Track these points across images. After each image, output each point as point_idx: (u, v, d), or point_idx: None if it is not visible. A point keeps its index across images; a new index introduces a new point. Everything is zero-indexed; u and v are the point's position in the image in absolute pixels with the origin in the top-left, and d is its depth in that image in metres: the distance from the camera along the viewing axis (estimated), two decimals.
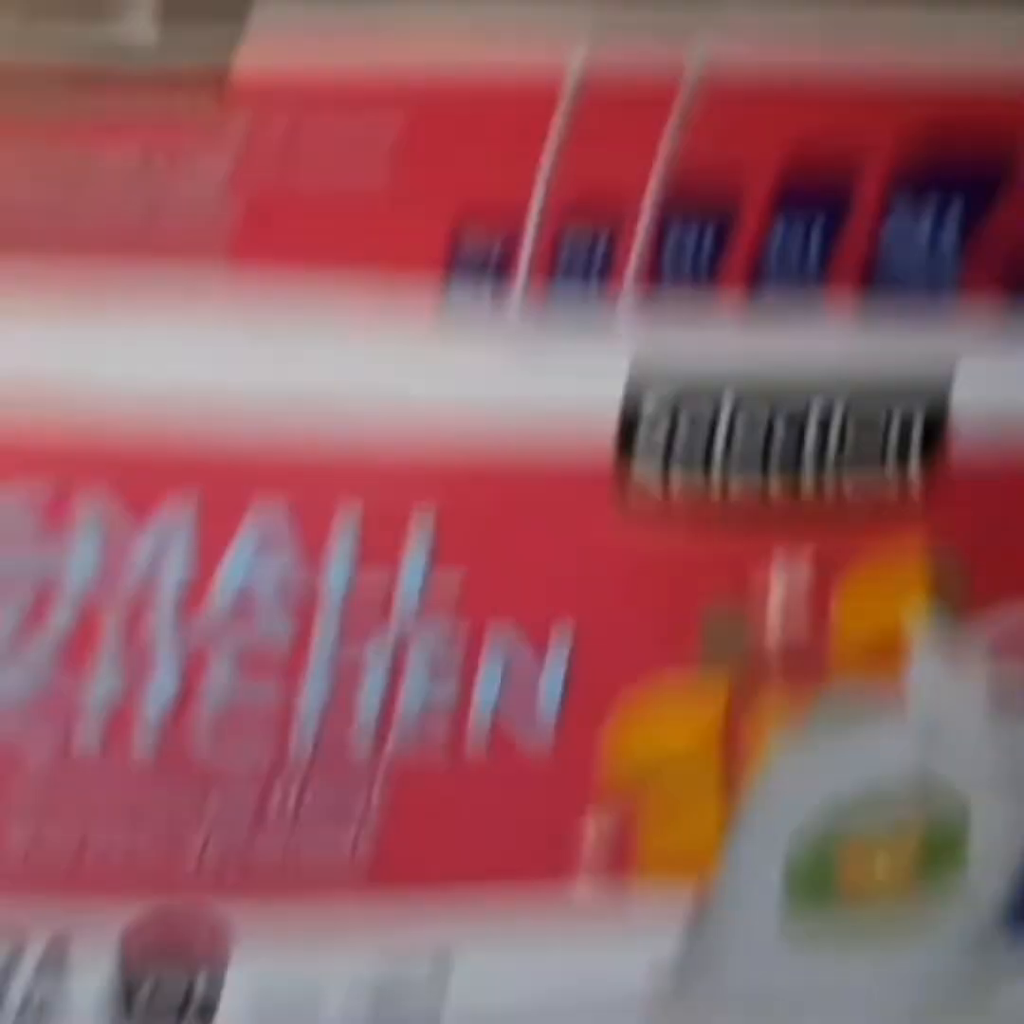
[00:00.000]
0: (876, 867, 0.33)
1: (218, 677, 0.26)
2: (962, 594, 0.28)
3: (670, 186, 0.23)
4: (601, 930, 0.32)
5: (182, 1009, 0.32)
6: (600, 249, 0.23)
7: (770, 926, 0.33)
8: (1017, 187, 0.24)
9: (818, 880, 0.32)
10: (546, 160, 0.22)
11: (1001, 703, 0.30)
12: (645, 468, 0.25)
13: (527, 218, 0.22)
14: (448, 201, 0.22)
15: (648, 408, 0.25)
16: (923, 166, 0.23)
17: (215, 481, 0.24)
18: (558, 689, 0.28)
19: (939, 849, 0.33)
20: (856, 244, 0.24)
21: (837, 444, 0.26)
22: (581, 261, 0.23)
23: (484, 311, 0.23)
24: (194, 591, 0.25)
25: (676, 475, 0.26)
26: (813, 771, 0.31)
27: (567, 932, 0.32)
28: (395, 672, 0.27)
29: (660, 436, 0.25)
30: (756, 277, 0.24)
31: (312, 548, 0.25)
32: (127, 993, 0.31)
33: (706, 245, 0.23)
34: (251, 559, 0.25)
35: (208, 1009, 0.32)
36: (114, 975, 0.31)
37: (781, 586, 0.27)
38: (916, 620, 0.29)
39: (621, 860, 0.31)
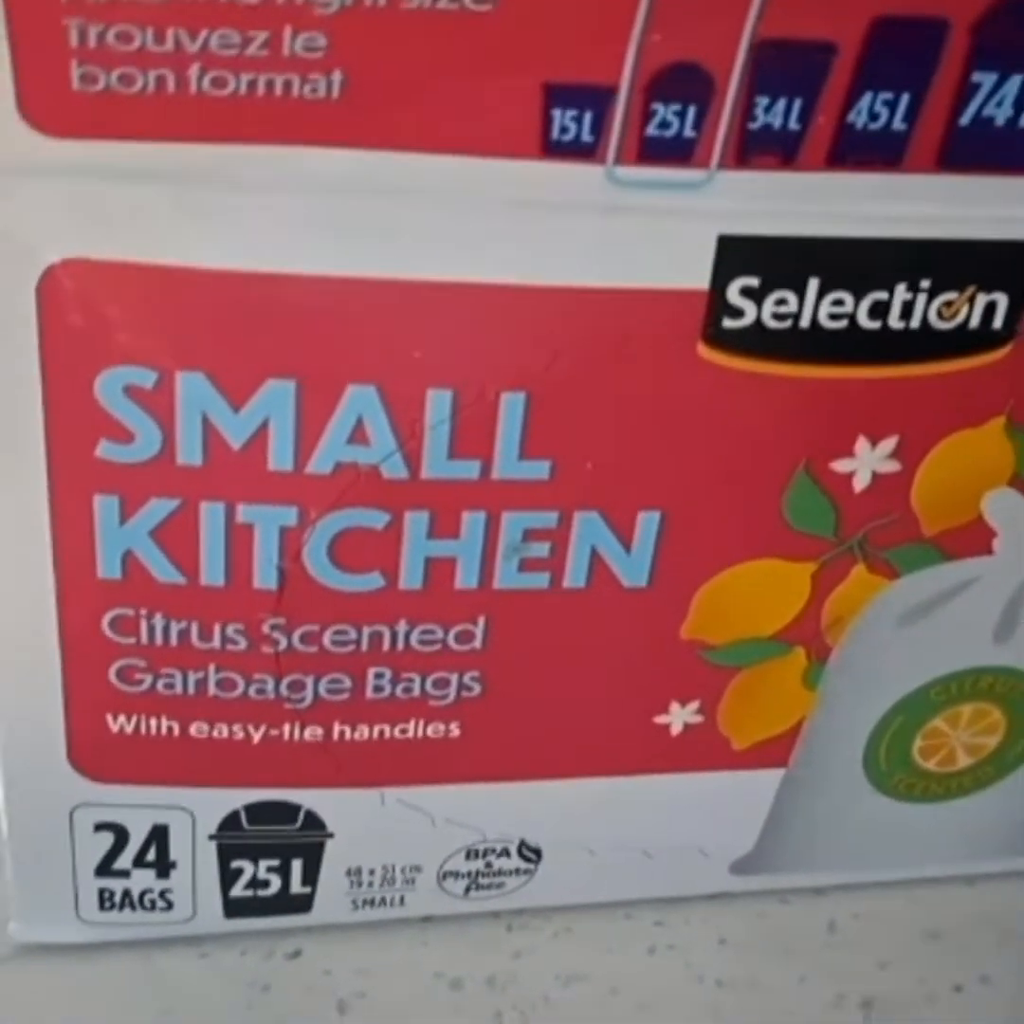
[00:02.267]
0: (957, 745, 0.33)
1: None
2: None
3: (758, 56, 0.23)
4: (688, 805, 0.32)
5: (281, 892, 0.32)
6: (689, 121, 0.23)
7: (853, 795, 0.33)
8: None
9: (901, 754, 0.33)
10: (635, 31, 0.22)
11: None
12: (730, 339, 0.25)
13: (618, 90, 0.23)
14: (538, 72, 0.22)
15: (734, 287, 0.25)
16: (1009, 25, 0.23)
17: (308, 364, 0.25)
18: (646, 563, 0.28)
19: (1018, 734, 0.33)
20: (940, 109, 0.24)
21: (916, 322, 0.26)
22: (669, 134, 0.23)
23: (574, 184, 0.24)
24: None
25: (759, 345, 0.26)
26: (897, 653, 0.31)
27: (652, 807, 0.32)
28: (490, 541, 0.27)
29: (745, 313, 0.25)
30: (840, 141, 0.24)
31: (405, 432, 0.26)
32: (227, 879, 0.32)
33: (792, 116, 0.23)
34: (348, 443, 0.26)
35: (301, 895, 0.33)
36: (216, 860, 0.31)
37: (869, 460, 0.28)
38: (999, 498, 0.29)
39: (708, 745, 0.32)
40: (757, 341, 0.26)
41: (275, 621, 0.28)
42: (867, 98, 0.23)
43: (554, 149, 0.23)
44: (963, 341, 0.26)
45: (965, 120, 0.24)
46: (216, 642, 0.28)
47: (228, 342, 0.24)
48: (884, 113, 0.24)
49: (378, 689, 0.29)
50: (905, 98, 0.24)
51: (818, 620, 0.30)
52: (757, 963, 0.34)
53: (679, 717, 0.31)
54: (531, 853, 0.33)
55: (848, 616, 0.30)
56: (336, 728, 0.29)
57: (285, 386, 0.25)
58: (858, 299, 0.25)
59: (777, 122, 0.24)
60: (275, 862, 0.32)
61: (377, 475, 0.26)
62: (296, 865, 0.32)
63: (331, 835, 0.31)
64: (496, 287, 0.24)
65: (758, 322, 0.25)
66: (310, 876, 0.32)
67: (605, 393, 0.26)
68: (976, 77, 0.23)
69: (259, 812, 0.31)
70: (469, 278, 0.24)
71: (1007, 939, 0.35)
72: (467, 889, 0.33)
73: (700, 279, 0.25)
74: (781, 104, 0.23)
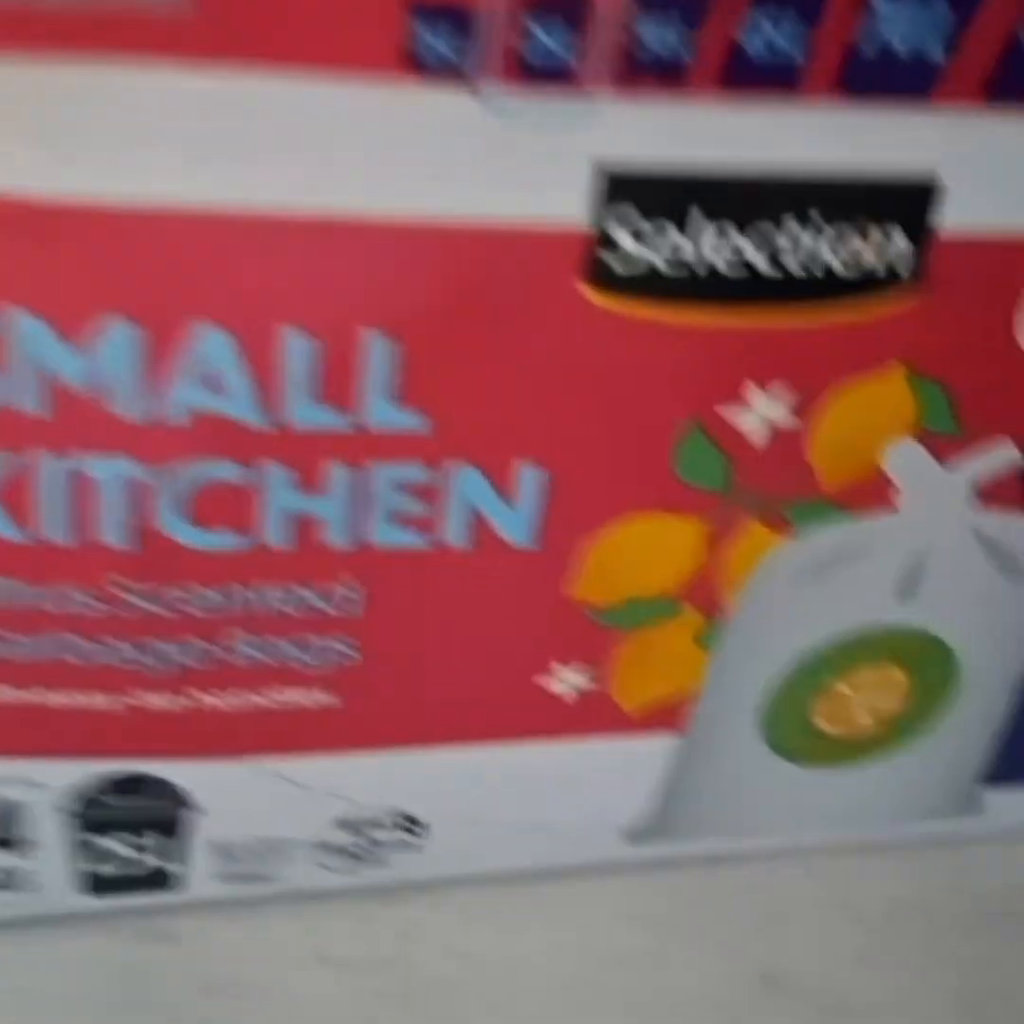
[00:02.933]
0: (858, 707, 0.32)
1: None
2: (953, 425, 0.27)
3: None
4: (577, 772, 0.31)
5: (149, 869, 0.31)
6: (569, 45, 0.21)
7: (749, 760, 0.32)
8: None
9: (798, 716, 0.31)
10: None
11: (990, 550, 0.29)
12: (612, 277, 0.24)
13: (488, 6, 0.21)
14: None
15: (615, 217, 0.23)
16: None
17: (154, 303, 0.23)
18: (530, 519, 0.26)
19: (926, 692, 0.32)
20: (836, 35, 0.22)
21: (813, 260, 0.24)
22: (547, 59, 0.21)
23: (443, 109, 0.22)
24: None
25: (643, 285, 0.24)
26: (794, 612, 0.29)
27: (540, 774, 0.31)
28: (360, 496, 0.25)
29: (629, 248, 0.23)
30: (731, 69, 0.22)
31: (261, 377, 0.24)
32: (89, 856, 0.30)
33: (680, 41, 0.22)
34: (197, 389, 0.24)
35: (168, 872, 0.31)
36: (75, 835, 0.30)
37: (762, 410, 0.26)
38: (901, 451, 0.27)
39: (598, 709, 0.30)
40: (644, 283, 0.24)
41: (129, 583, 0.26)
42: (760, 22, 0.22)
43: (420, 69, 0.21)
44: (863, 284, 0.25)
45: (865, 47, 0.22)
46: (66, 605, 0.26)
47: (63, 279, 0.22)
48: (778, 38, 0.22)
49: (244, 655, 0.27)
50: (800, 23, 0.22)
51: (711, 579, 0.28)
52: (654, 936, 0.33)
53: (567, 681, 0.29)
54: (414, 825, 0.31)
55: (743, 574, 0.28)
56: (200, 697, 0.28)
57: (129, 327, 0.23)
58: (750, 238, 0.24)
59: (664, 48, 0.22)
60: (141, 838, 0.30)
61: (232, 424, 0.24)
62: (163, 841, 0.30)
63: (199, 809, 0.29)
64: (359, 219, 0.22)
65: (644, 262, 0.24)
66: (179, 852, 0.30)
67: (481, 338, 0.24)
68: (875, 1, 0.22)
69: (122, 786, 0.29)
70: (329, 209, 0.22)
71: (911, 908, 0.34)
72: (346, 863, 0.31)
73: (581, 215, 0.23)
74: (668, 28, 0.22)
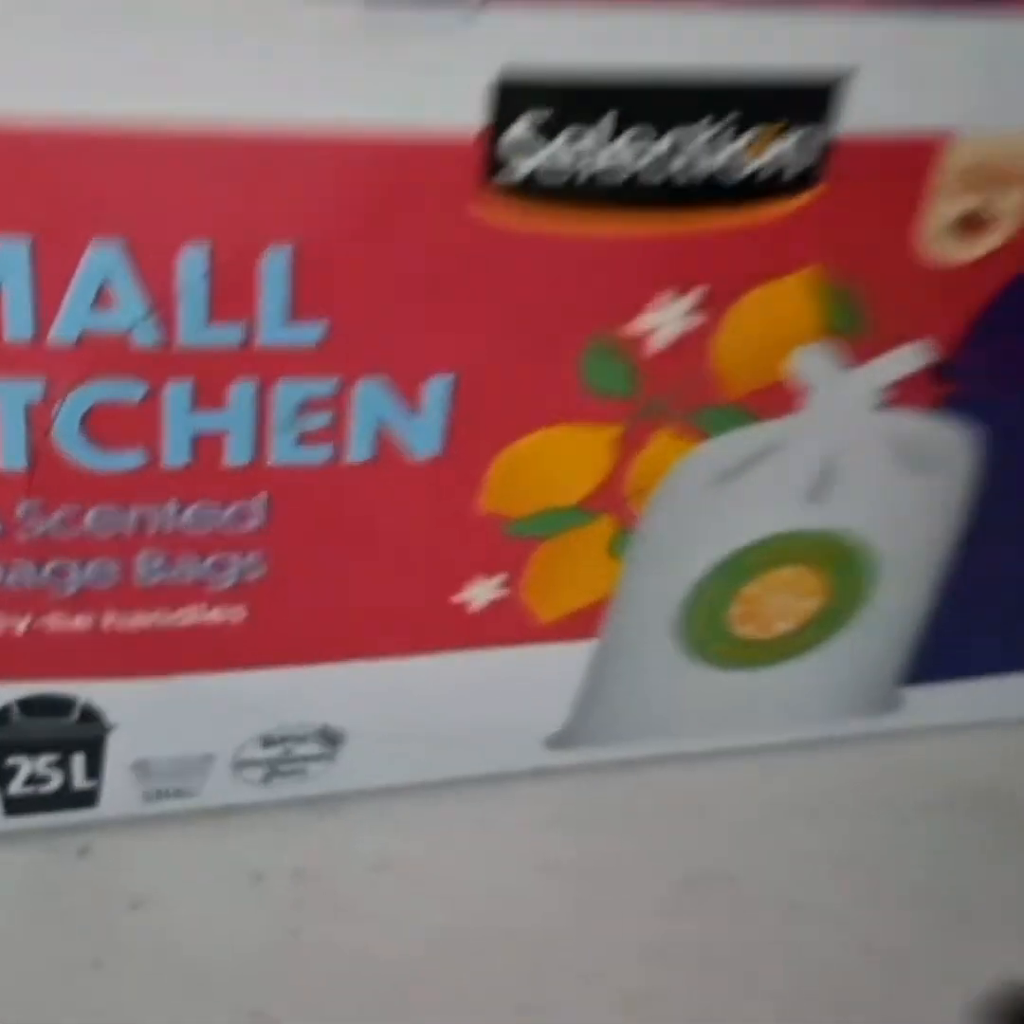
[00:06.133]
0: (774, 610, 0.32)
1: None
2: (858, 328, 0.27)
3: None
4: (494, 682, 0.31)
5: (63, 788, 0.31)
6: None
7: (665, 665, 0.32)
8: None
9: (714, 621, 0.32)
10: None
11: (900, 449, 0.29)
12: (514, 185, 0.23)
13: None
14: None
15: (520, 123, 0.23)
16: None
17: (42, 217, 0.22)
18: (436, 432, 0.26)
19: (841, 587, 0.32)
20: None
21: (718, 163, 0.24)
22: None
23: (336, 18, 0.21)
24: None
25: (546, 193, 0.24)
26: (705, 518, 0.30)
27: (456, 685, 0.31)
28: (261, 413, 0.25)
29: (530, 154, 0.23)
30: None
31: (156, 294, 0.23)
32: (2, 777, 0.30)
33: None
34: (90, 307, 0.23)
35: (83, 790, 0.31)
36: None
37: (667, 318, 0.26)
38: (808, 356, 0.27)
39: (511, 620, 0.30)
40: (542, 192, 0.24)
41: (30, 504, 0.25)
42: None
43: None
44: (765, 188, 0.24)
45: None
46: None
47: None
48: None
49: (150, 574, 0.27)
50: None
51: (622, 487, 0.28)
52: (577, 840, 0.33)
53: (481, 592, 0.29)
54: (333, 737, 0.31)
55: (653, 482, 0.28)
56: (107, 616, 0.27)
57: (16, 244, 0.22)
58: (650, 143, 0.23)
59: None
60: (54, 757, 0.30)
61: (128, 342, 0.23)
62: (77, 759, 0.30)
63: (112, 726, 0.29)
64: (251, 133, 0.22)
65: (542, 170, 0.23)
66: (94, 770, 0.30)
67: (379, 250, 0.24)
68: None
69: (31, 706, 0.29)
70: (216, 118, 0.22)
71: (834, 804, 0.34)
72: (266, 777, 0.31)
73: (476, 123, 0.23)
74: None
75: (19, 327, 0.23)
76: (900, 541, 0.31)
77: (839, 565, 0.31)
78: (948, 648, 0.34)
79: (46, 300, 0.23)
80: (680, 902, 0.32)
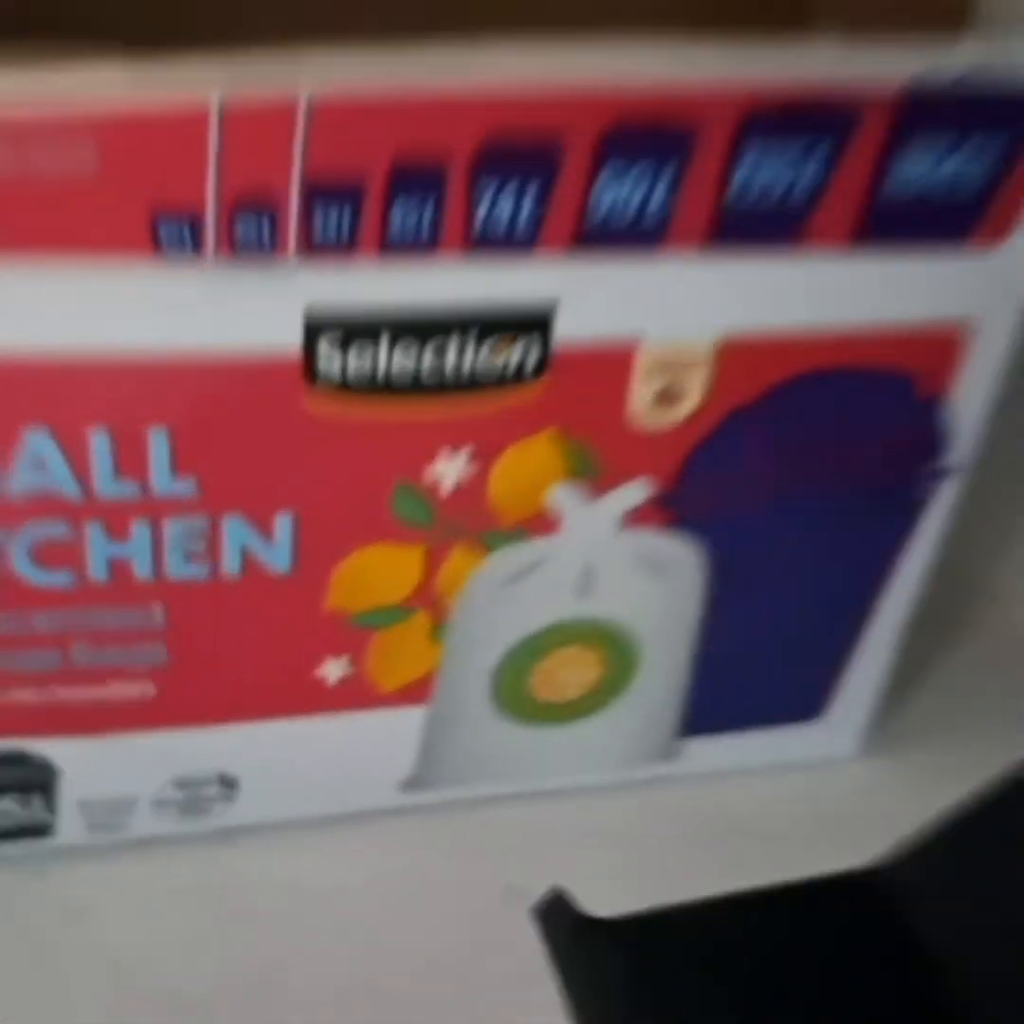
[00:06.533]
0: (564, 679, 0.42)
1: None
2: (588, 469, 0.37)
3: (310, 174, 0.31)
4: (353, 738, 0.41)
5: (23, 824, 0.40)
6: (266, 228, 0.31)
7: (485, 724, 0.42)
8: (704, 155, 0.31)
9: (518, 688, 0.41)
10: (211, 166, 0.30)
11: (639, 558, 0.39)
12: (328, 384, 0.33)
13: (206, 207, 0.30)
14: (146, 195, 0.30)
15: (323, 343, 0.33)
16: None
17: None
18: (287, 553, 0.36)
19: (612, 661, 0.42)
20: (457, 216, 0.32)
21: (472, 364, 0.34)
22: (255, 235, 0.31)
23: (186, 275, 0.31)
24: None
25: (352, 389, 0.34)
26: (499, 611, 0.39)
27: (324, 741, 0.41)
28: (156, 542, 0.35)
29: (336, 364, 0.33)
30: (468, 241, 0.32)
31: (76, 462, 0.33)
32: None
33: (344, 224, 0.31)
34: (31, 473, 0.33)
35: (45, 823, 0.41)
36: None
37: (450, 469, 0.36)
38: (560, 492, 0.37)
39: (361, 687, 0.40)
40: (351, 388, 0.34)
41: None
42: (398, 211, 0.31)
43: (160, 252, 0.31)
44: (512, 376, 0.35)
45: (478, 224, 0.32)
46: None
47: None
48: (412, 219, 0.32)
49: (83, 659, 0.37)
50: (428, 206, 0.32)
51: (434, 589, 0.38)
52: (415, 861, 0.43)
53: (334, 669, 0.39)
54: (229, 782, 0.41)
55: (457, 585, 0.38)
56: (54, 690, 0.37)
57: None
58: (418, 349, 0.34)
59: (332, 231, 0.31)
60: (20, 797, 0.40)
61: (60, 495, 0.34)
62: (38, 800, 0.40)
63: (60, 772, 0.39)
64: (132, 354, 0.32)
65: (349, 372, 0.33)
66: (50, 807, 0.40)
67: (235, 432, 0.34)
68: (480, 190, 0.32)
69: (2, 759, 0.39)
70: (108, 347, 0.32)
71: (637, 834, 0.44)
72: (180, 813, 0.41)
73: (295, 342, 0.33)
74: (334, 214, 0.31)
75: None
76: (654, 625, 0.41)
77: (609, 644, 0.41)
78: (711, 707, 0.43)
79: (3, 468, 0.33)
80: (498, 910, 0.42)
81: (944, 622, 0.52)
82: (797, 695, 0.45)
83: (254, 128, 0.30)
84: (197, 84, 0.29)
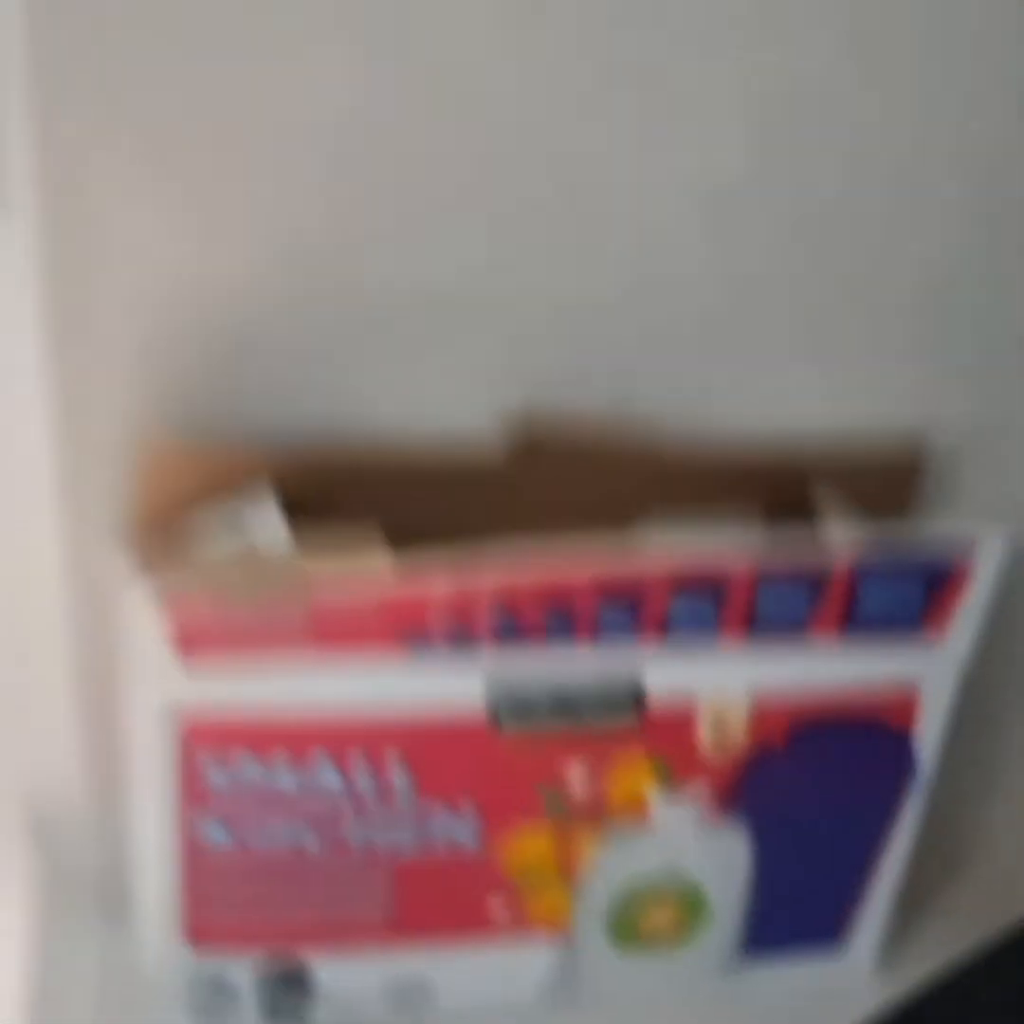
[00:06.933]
0: (657, 918, 0.60)
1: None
2: (671, 779, 0.56)
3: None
4: (510, 956, 0.59)
5: (299, 1005, 0.59)
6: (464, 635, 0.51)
7: (603, 952, 0.60)
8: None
9: (628, 925, 0.60)
10: None
11: (703, 830, 0.58)
12: (506, 727, 0.53)
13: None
14: None
15: (504, 708, 0.52)
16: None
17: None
18: (473, 831, 0.55)
19: (691, 909, 0.60)
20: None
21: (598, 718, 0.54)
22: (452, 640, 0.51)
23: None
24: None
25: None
26: (614, 868, 0.58)
27: (492, 959, 0.59)
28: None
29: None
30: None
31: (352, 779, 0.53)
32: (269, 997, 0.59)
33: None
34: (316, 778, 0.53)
35: (307, 1003, 0.60)
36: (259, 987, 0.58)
37: (577, 777, 0.55)
38: (652, 791, 0.56)
39: (518, 919, 0.58)
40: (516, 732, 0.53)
41: None
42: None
43: None
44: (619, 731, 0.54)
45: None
46: None
47: None
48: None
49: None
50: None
51: (567, 858, 0.57)
52: None
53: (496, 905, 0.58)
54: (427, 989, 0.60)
55: (582, 856, 0.57)
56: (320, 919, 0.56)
57: None
58: (569, 715, 0.53)
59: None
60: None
61: (332, 794, 0.53)
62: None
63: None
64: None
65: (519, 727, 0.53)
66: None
67: (439, 755, 0.53)
68: None
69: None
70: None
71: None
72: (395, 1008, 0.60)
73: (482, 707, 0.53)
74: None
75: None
76: (720, 886, 0.59)
77: (688, 898, 0.59)
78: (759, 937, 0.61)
79: None
80: None
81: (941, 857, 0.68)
82: (823, 924, 0.63)
83: None
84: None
